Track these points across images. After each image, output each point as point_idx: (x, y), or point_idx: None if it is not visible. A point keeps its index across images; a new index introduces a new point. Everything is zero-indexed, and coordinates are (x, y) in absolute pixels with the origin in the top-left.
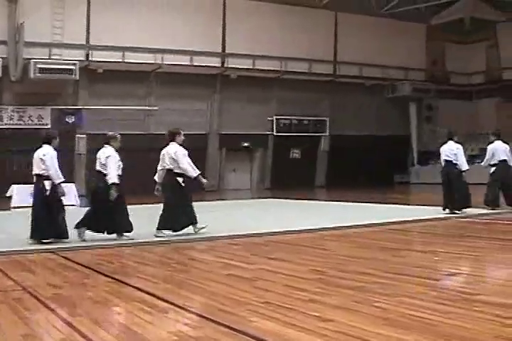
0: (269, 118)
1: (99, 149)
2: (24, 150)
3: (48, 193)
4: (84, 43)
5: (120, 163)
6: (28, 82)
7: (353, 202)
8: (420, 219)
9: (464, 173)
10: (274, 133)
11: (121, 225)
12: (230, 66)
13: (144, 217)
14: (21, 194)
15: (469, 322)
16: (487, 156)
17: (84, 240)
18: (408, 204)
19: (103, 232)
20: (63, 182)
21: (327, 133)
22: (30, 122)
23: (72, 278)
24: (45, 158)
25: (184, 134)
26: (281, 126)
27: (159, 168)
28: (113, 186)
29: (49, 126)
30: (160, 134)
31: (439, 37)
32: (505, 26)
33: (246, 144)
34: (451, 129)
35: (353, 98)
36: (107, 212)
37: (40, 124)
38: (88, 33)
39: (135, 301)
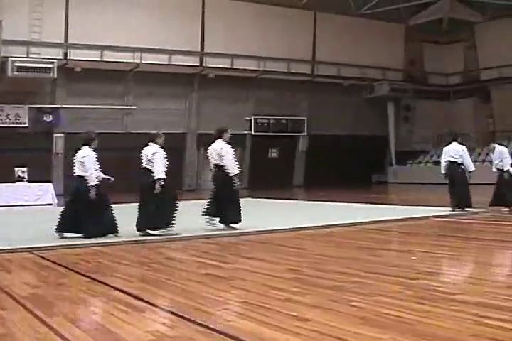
0: (247, 118)
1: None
2: (2, 149)
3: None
4: (63, 42)
5: (166, 159)
6: (5, 80)
7: (330, 201)
8: (397, 219)
9: (470, 174)
10: (252, 133)
11: (166, 219)
12: (208, 65)
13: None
14: None
15: (446, 321)
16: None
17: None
18: (386, 204)
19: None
20: (45, 181)
21: (305, 133)
22: (7, 121)
23: (49, 278)
24: (85, 160)
25: (162, 133)
26: (259, 125)
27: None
28: (160, 181)
29: (26, 125)
30: (138, 133)
31: (417, 37)
32: (483, 27)
33: None
34: (451, 129)
35: (331, 98)
36: (156, 207)
37: (17, 123)
38: (66, 31)
39: (112, 300)
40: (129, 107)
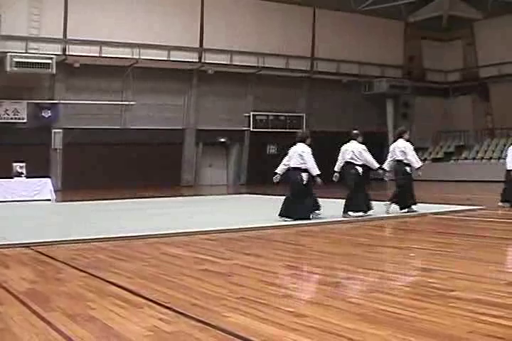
0: (246, 114)
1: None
2: (0, 144)
3: (304, 182)
4: (62, 37)
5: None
6: (4, 75)
7: (328, 198)
8: (396, 216)
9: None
10: (251, 129)
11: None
12: (207, 61)
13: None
14: None
15: (443, 318)
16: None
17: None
18: (383, 201)
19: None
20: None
21: (304, 129)
22: (6, 116)
23: (47, 273)
24: (304, 154)
25: (160, 129)
26: (258, 121)
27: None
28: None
29: (25, 121)
30: (136, 129)
31: (416, 34)
32: (483, 24)
33: (222, 139)
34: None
35: (329, 94)
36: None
37: (15, 118)
38: (65, 27)
39: (109, 296)
40: (127, 103)
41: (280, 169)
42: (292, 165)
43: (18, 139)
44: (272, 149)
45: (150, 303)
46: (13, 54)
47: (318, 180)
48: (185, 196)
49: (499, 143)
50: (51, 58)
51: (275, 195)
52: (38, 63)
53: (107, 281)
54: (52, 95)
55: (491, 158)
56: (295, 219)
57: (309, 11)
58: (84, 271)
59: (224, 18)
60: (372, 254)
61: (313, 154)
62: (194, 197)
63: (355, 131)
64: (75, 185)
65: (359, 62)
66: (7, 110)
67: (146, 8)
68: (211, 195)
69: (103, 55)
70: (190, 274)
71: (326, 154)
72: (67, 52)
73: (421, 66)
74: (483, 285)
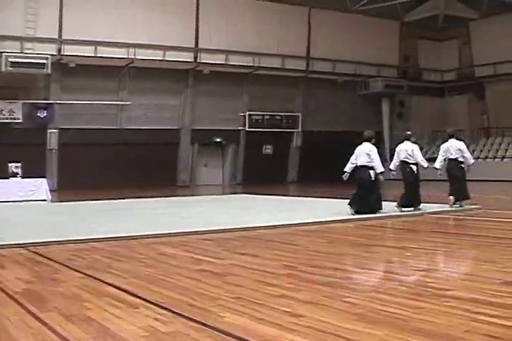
0: (242, 114)
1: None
2: None
3: (372, 179)
4: (57, 37)
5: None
6: None
7: (325, 197)
8: (393, 215)
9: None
10: (247, 129)
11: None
12: (202, 61)
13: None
14: None
15: (439, 317)
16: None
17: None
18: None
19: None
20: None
21: (299, 129)
22: (1, 116)
23: (43, 273)
24: (371, 153)
25: (156, 129)
26: (254, 121)
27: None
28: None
29: (20, 121)
30: (132, 129)
31: (412, 34)
32: (478, 24)
33: (218, 139)
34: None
35: (325, 94)
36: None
37: (11, 118)
38: (61, 27)
39: (106, 296)
40: (123, 103)
41: (348, 167)
42: (360, 163)
43: (14, 139)
44: (267, 149)
45: (146, 304)
46: (8, 54)
47: (381, 177)
48: (181, 196)
49: (495, 143)
50: (46, 58)
51: (271, 195)
52: (33, 63)
53: (104, 282)
54: (47, 95)
55: (486, 158)
56: (366, 213)
57: (305, 11)
58: (81, 272)
59: (219, 18)
60: (369, 254)
61: (310, 154)
62: (190, 197)
63: (408, 132)
64: (71, 185)
65: (355, 62)
66: (2, 110)
67: (142, 8)
68: (207, 194)
69: (98, 55)
70: (187, 274)
71: (321, 153)
72: (62, 52)
73: (417, 65)
74: (479, 285)
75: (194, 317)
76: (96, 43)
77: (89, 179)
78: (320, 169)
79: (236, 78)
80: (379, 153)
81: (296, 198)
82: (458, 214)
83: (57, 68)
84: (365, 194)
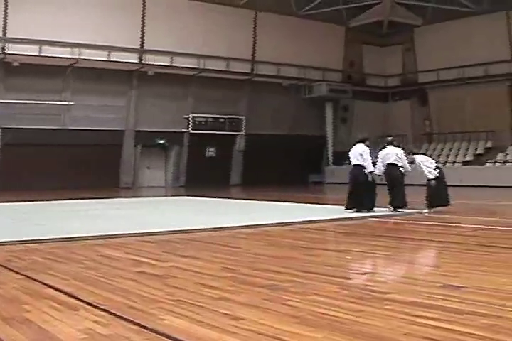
0: (185, 116)
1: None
2: None
3: (369, 179)
4: (1, 36)
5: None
6: None
7: (266, 200)
8: (334, 218)
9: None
10: (190, 131)
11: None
12: (147, 62)
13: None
14: None
15: (379, 320)
16: None
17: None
18: (322, 204)
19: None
20: None
21: (243, 132)
22: None
23: None
24: (364, 153)
25: (100, 130)
26: (197, 123)
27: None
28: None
29: None
30: (76, 130)
31: (357, 39)
32: (422, 30)
33: (161, 141)
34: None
35: (270, 97)
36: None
37: None
38: (5, 25)
39: (45, 298)
40: (67, 103)
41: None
42: (354, 162)
43: None
44: (210, 151)
45: (86, 306)
46: None
47: (370, 176)
48: (124, 198)
49: (437, 148)
50: None
51: (213, 197)
52: None
53: (43, 283)
54: None
55: None
56: (361, 211)
57: (251, 14)
58: (20, 273)
59: (165, 19)
60: (310, 257)
61: (253, 157)
62: (132, 198)
63: (390, 138)
64: (13, 186)
65: (300, 66)
66: None
67: (87, 7)
68: (149, 196)
69: (43, 55)
70: (127, 276)
71: (264, 156)
72: (6, 51)
73: (361, 70)
74: (419, 288)
75: (134, 320)
76: (40, 42)
77: (32, 180)
78: (263, 172)
79: (181, 80)
80: (310, 155)
81: (238, 201)
82: (400, 218)
83: (1, 67)
84: (360, 192)
